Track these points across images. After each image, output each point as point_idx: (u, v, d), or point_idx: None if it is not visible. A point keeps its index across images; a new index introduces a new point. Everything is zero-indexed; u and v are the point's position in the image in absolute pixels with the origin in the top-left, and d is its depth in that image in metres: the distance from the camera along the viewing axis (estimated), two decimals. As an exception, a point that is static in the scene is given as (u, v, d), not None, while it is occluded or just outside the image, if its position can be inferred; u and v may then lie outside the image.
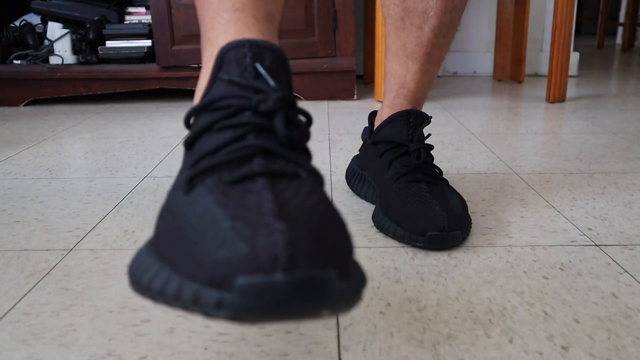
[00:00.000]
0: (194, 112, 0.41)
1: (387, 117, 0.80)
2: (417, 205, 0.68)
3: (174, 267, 0.32)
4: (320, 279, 0.28)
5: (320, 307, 0.29)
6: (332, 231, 0.33)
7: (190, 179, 0.37)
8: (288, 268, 0.28)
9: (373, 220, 0.74)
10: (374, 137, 0.80)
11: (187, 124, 0.42)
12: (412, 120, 0.77)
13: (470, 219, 0.71)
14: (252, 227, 0.30)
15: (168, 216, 0.36)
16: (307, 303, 0.28)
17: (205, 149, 0.39)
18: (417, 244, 0.66)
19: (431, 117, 0.78)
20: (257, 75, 0.40)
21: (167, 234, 0.35)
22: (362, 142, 0.95)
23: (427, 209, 0.67)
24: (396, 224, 0.69)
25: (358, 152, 0.89)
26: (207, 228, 0.32)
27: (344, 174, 0.96)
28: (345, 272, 0.31)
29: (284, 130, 0.38)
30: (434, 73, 0.80)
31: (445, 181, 0.75)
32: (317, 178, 0.39)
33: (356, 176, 0.86)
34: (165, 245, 0.34)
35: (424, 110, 1.58)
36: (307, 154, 0.42)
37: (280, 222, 0.30)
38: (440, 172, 0.77)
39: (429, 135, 0.79)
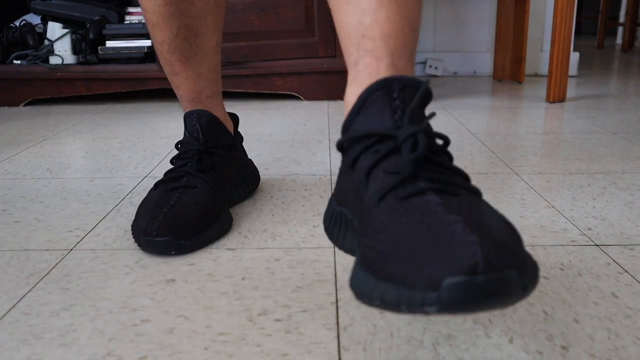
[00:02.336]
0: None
1: (354, 99, 0.50)
2: (419, 232, 0.38)
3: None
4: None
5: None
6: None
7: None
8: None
9: (351, 289, 0.41)
10: (342, 137, 0.49)
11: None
12: (397, 93, 0.46)
13: (531, 257, 0.39)
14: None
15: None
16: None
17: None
18: (427, 308, 0.34)
19: (427, 82, 0.47)
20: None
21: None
22: None
23: (438, 233, 0.37)
24: (383, 280, 0.38)
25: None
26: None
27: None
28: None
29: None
30: (412, 5, 0.52)
31: (475, 191, 0.44)
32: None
33: (334, 219, 0.54)
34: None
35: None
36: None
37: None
38: (465, 176, 0.46)
39: (433, 114, 0.45)
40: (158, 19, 0.74)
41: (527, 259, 0.38)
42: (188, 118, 0.78)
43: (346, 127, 0.49)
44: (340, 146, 0.50)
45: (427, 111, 1.57)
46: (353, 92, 0.51)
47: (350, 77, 0.52)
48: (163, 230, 0.65)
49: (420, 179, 0.42)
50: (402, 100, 0.46)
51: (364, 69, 0.50)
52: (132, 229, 0.69)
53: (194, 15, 0.75)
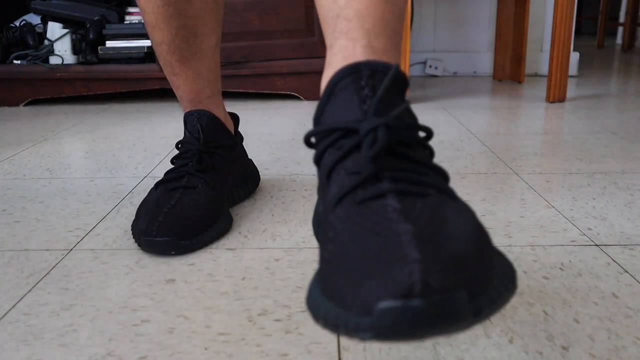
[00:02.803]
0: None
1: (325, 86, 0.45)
2: (365, 244, 0.34)
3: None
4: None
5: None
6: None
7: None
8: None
9: (306, 305, 0.37)
10: (309, 130, 0.44)
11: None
12: (366, 80, 0.42)
13: (504, 272, 0.35)
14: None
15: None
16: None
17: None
18: (362, 333, 0.30)
19: (396, 66, 0.42)
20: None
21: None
22: None
23: (383, 246, 0.33)
24: (327, 297, 0.34)
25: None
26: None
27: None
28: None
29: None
30: None
31: (448, 191, 0.39)
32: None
33: (318, 223, 0.50)
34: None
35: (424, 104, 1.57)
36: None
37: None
38: (443, 173, 0.41)
39: (407, 103, 0.42)
40: (157, 19, 0.74)
41: (491, 276, 0.32)
42: (188, 118, 0.78)
43: (317, 118, 0.44)
44: (308, 140, 0.43)
45: (431, 109, 1.57)
46: (326, 77, 0.46)
47: (326, 61, 0.47)
48: (163, 231, 0.65)
49: (383, 179, 0.37)
50: (371, 88, 0.41)
51: (339, 51, 0.45)
52: (132, 229, 0.69)
53: (193, 16, 0.75)
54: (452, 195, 0.38)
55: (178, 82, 0.79)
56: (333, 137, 0.41)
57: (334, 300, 0.33)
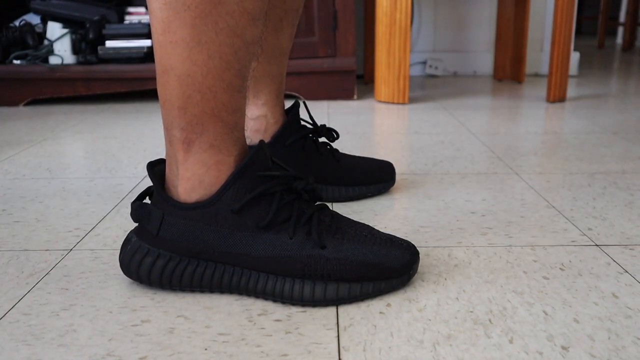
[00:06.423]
0: None
1: (282, 119, 0.82)
2: None
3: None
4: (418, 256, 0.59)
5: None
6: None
7: None
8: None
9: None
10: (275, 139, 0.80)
11: None
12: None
13: None
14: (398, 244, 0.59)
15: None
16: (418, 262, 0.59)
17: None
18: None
19: (304, 100, 0.82)
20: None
21: None
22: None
23: None
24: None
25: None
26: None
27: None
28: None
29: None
30: None
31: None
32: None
33: None
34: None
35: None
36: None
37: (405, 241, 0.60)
38: None
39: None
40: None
41: None
42: None
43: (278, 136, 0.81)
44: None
45: (431, 109, 1.58)
46: (280, 113, 0.82)
47: (271, 103, 0.81)
48: None
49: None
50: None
51: (280, 102, 0.82)
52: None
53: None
54: None
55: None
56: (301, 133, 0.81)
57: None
